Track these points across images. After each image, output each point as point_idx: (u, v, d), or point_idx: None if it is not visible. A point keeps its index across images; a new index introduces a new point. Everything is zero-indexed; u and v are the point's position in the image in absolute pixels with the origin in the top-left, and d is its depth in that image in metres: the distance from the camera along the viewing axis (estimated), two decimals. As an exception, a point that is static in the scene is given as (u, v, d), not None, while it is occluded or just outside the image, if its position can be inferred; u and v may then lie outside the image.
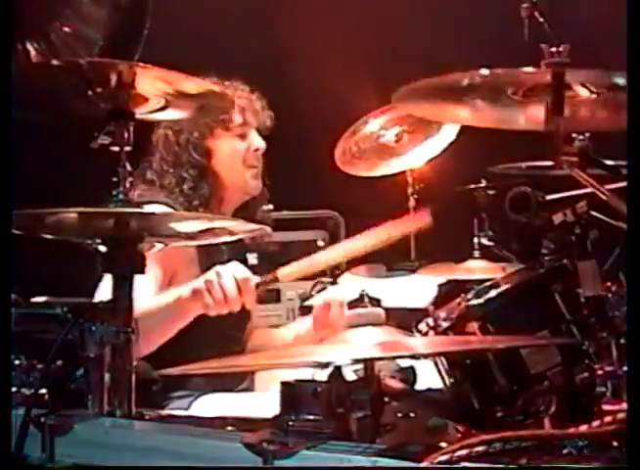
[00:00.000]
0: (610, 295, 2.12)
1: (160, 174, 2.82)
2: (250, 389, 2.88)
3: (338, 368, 1.64)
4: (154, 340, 2.44)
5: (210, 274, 2.41)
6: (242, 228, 2.18)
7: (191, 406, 2.65)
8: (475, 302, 2.13)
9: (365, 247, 2.56)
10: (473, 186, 3.93)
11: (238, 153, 2.86)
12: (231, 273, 2.39)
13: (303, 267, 2.56)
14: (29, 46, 2.32)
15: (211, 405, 2.63)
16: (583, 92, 1.97)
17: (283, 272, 2.49)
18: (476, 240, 3.76)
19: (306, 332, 2.83)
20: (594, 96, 1.97)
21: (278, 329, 3.09)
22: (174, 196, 2.78)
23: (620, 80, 1.85)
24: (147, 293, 2.56)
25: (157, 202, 2.67)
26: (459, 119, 2.34)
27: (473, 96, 2.01)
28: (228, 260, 2.81)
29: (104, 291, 2.32)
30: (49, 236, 1.97)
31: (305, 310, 3.16)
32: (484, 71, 1.91)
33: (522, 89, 1.98)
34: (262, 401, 2.56)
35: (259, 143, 2.88)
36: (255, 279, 2.43)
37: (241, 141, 2.87)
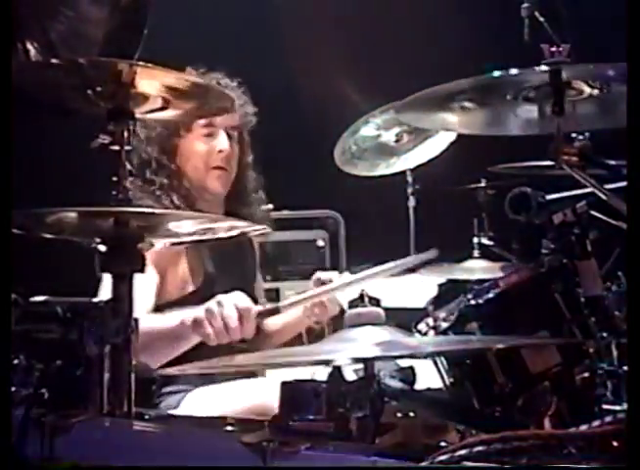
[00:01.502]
0: (610, 295, 2.13)
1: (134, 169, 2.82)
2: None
3: (338, 368, 1.64)
4: (157, 359, 2.42)
5: (212, 304, 2.36)
6: (242, 228, 2.17)
7: (182, 402, 2.65)
8: (474, 302, 2.14)
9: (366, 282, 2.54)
10: (473, 186, 3.94)
11: (198, 154, 2.84)
12: (233, 303, 2.35)
13: (303, 300, 2.55)
14: (29, 46, 2.31)
15: (202, 399, 2.62)
16: (586, 89, 1.97)
17: (284, 304, 2.48)
18: (475, 240, 3.77)
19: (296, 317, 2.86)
20: (596, 92, 1.98)
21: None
22: (140, 186, 2.76)
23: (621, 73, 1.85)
24: (148, 295, 2.56)
25: (140, 205, 2.67)
26: (460, 129, 2.34)
27: (472, 102, 2.02)
28: (218, 257, 2.82)
29: (105, 291, 2.33)
30: (49, 236, 1.97)
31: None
32: (484, 77, 1.92)
33: (522, 91, 1.98)
34: (252, 387, 2.57)
35: (223, 145, 2.84)
36: (256, 308, 2.39)
37: (205, 142, 2.84)
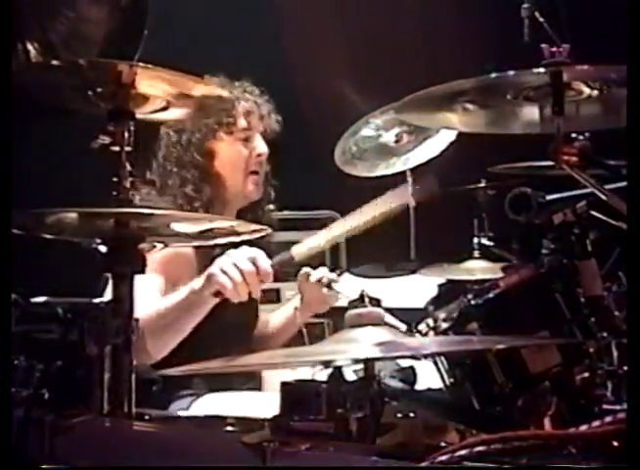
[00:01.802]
0: (610, 295, 2.13)
1: (164, 174, 2.81)
2: (257, 389, 2.87)
3: (338, 368, 1.64)
4: (170, 339, 2.43)
5: (222, 257, 2.38)
6: (243, 228, 2.17)
7: (191, 406, 2.65)
8: (474, 302, 2.14)
9: (371, 219, 2.51)
10: (473, 186, 3.93)
11: (240, 157, 2.85)
12: (242, 252, 2.37)
13: (315, 243, 2.53)
14: (29, 46, 2.32)
15: (212, 405, 2.62)
16: (585, 90, 1.97)
17: (297, 250, 2.47)
18: (475, 240, 3.77)
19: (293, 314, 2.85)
20: (595, 92, 1.98)
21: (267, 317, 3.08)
22: (176, 197, 2.77)
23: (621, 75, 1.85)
24: (150, 299, 2.56)
25: (159, 208, 2.67)
26: (460, 127, 2.35)
27: (472, 103, 2.02)
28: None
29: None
30: (49, 236, 1.97)
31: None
32: (484, 77, 1.92)
33: (522, 91, 1.98)
34: (263, 401, 2.56)
35: (263, 148, 2.86)
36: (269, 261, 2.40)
37: (244, 146, 2.85)
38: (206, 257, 2.71)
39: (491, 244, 3.77)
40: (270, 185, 2.98)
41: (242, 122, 2.84)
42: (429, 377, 2.15)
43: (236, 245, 2.40)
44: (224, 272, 2.35)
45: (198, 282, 2.42)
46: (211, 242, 2.15)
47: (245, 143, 2.85)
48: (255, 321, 2.96)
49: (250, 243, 2.98)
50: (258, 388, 2.87)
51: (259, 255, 2.40)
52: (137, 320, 1.85)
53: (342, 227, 2.61)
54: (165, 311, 2.41)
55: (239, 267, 2.35)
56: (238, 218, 2.76)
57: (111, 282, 2.03)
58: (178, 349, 2.46)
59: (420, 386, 1.93)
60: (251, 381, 2.85)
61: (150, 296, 2.45)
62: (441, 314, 2.15)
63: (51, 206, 1.80)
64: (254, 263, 2.37)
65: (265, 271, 2.39)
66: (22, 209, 1.79)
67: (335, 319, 3.68)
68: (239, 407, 2.52)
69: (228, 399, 2.67)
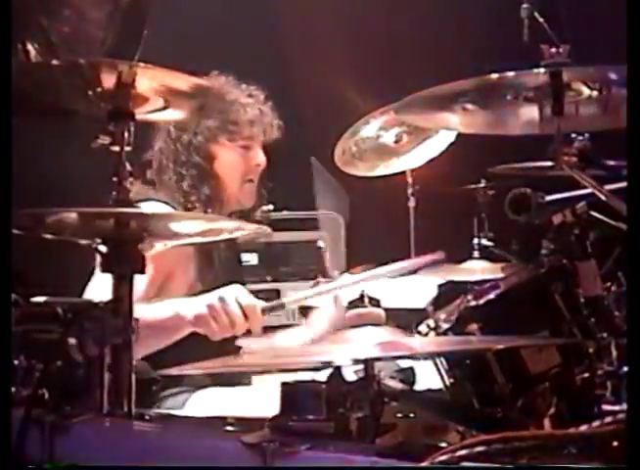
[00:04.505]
0: (610, 295, 2.13)
1: (160, 170, 2.82)
2: (246, 384, 2.87)
3: (338, 368, 1.64)
4: (145, 349, 2.40)
5: (213, 299, 2.34)
6: (242, 228, 2.17)
7: (186, 403, 2.65)
8: (475, 302, 2.14)
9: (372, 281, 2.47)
10: (473, 186, 3.94)
11: (238, 165, 2.87)
12: (234, 298, 2.33)
13: (308, 297, 2.52)
14: (29, 46, 2.32)
15: (207, 401, 2.62)
16: (585, 90, 1.97)
17: (289, 300, 2.44)
18: (475, 241, 3.77)
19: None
20: (595, 93, 1.98)
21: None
22: (173, 193, 2.77)
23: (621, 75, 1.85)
24: (137, 293, 2.55)
25: (154, 199, 2.67)
26: (460, 128, 2.35)
27: (472, 103, 2.02)
28: (225, 260, 2.82)
29: (93, 289, 2.32)
30: (49, 236, 1.97)
31: (305, 311, 3.17)
32: (484, 77, 1.92)
33: (522, 92, 1.98)
34: (258, 395, 2.57)
35: (261, 159, 2.89)
36: (260, 304, 2.37)
37: (243, 154, 2.87)
38: (203, 250, 2.71)
39: (491, 244, 3.77)
40: (264, 187, 2.99)
41: (245, 131, 2.85)
42: (429, 377, 2.15)
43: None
44: (214, 319, 2.32)
45: (186, 311, 2.38)
46: (211, 240, 2.15)
47: (244, 151, 2.87)
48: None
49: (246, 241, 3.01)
50: (248, 384, 2.88)
51: (252, 303, 2.35)
52: (137, 320, 1.85)
53: (333, 286, 2.59)
54: (146, 324, 2.37)
55: (230, 316, 2.32)
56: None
57: (93, 279, 2.03)
58: (168, 348, 2.45)
59: (420, 386, 1.93)
60: (242, 377, 2.85)
61: (141, 289, 2.44)
62: (441, 315, 2.15)
63: (51, 206, 1.80)
64: (245, 314, 2.33)
65: (257, 324, 2.36)
66: (22, 209, 1.79)
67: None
68: (231, 403, 2.53)
69: (220, 394, 2.67)
